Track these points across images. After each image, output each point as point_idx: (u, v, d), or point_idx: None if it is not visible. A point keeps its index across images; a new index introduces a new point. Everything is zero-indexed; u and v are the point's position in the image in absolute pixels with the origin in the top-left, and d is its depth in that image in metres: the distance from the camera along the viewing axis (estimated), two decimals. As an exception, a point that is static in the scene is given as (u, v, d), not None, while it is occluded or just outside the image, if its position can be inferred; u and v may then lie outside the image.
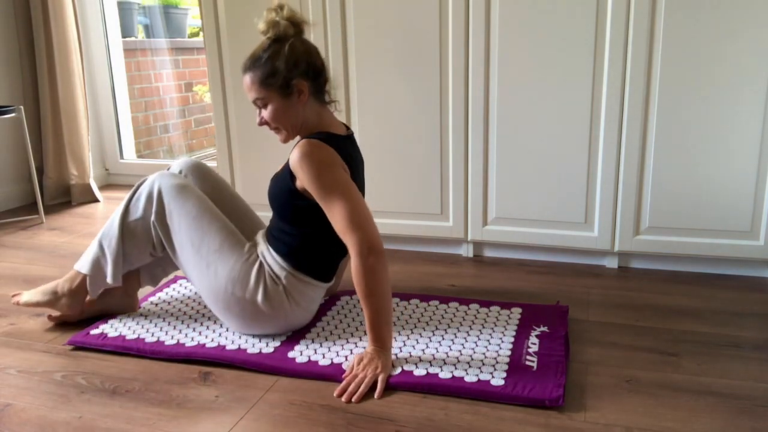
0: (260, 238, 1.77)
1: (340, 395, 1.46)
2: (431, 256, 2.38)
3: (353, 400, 1.44)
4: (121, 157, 3.75)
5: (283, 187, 1.66)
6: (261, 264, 1.68)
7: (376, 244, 1.51)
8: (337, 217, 1.54)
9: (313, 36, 2.28)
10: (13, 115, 2.83)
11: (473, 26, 2.11)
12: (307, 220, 1.65)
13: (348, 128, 1.76)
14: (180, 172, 1.91)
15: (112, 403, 1.46)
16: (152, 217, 1.75)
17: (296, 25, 1.63)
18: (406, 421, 1.37)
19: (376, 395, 1.46)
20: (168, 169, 1.94)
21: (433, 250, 2.43)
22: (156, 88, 4.22)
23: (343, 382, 1.49)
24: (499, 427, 1.34)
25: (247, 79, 1.63)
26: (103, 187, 3.66)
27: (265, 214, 2.52)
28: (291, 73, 1.59)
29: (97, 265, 1.79)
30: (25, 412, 1.44)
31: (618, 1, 1.97)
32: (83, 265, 1.80)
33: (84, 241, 2.68)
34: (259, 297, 1.65)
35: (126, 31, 3.93)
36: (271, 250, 1.69)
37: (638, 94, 2.02)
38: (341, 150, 1.62)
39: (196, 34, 4.49)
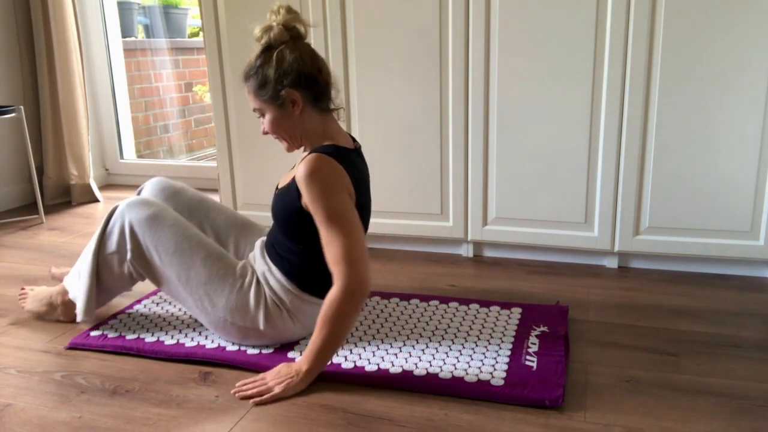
0: (258, 253, 1.70)
1: (237, 389, 1.48)
2: (431, 256, 2.38)
3: (237, 395, 1.46)
4: (121, 157, 3.75)
5: (289, 204, 1.58)
6: (259, 286, 1.63)
7: (365, 288, 1.46)
8: (333, 247, 1.47)
9: (313, 37, 2.28)
10: (13, 115, 2.83)
11: (473, 26, 2.11)
12: (315, 238, 1.54)
13: (354, 140, 1.70)
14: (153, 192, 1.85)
15: (112, 403, 1.46)
16: (128, 255, 1.69)
17: (291, 29, 1.55)
18: (406, 421, 1.37)
19: (253, 401, 1.44)
20: (139, 192, 1.88)
21: (433, 250, 2.43)
22: (156, 88, 4.22)
23: (251, 380, 1.50)
24: (499, 427, 1.34)
25: (246, 88, 1.58)
26: (103, 187, 3.66)
27: (265, 214, 2.52)
28: (279, 84, 1.52)
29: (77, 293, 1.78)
30: (25, 412, 1.44)
31: (618, 1, 1.97)
32: (70, 285, 1.81)
33: (84, 241, 2.68)
34: (261, 323, 1.61)
35: (126, 31, 3.93)
36: (274, 269, 1.63)
37: (638, 94, 2.02)
38: (349, 165, 1.55)
39: (196, 34, 4.49)
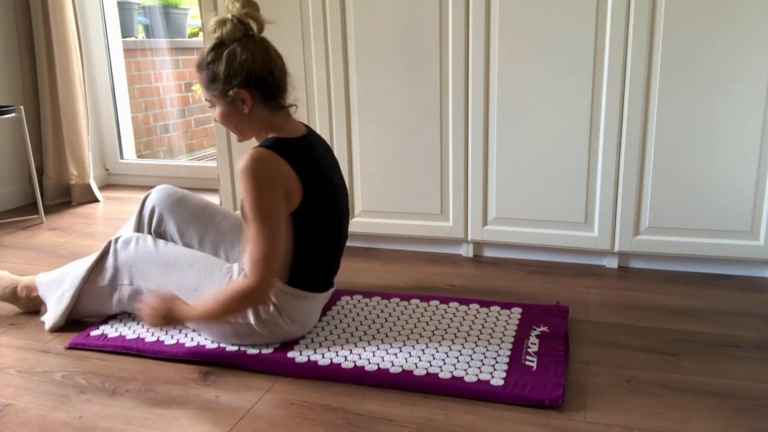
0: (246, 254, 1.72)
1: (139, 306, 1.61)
2: (431, 256, 2.38)
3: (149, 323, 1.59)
4: (121, 157, 3.75)
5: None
6: None
7: (263, 295, 1.53)
8: (253, 245, 1.51)
9: (313, 37, 2.28)
10: (13, 115, 2.83)
11: (473, 26, 2.11)
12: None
13: (306, 127, 1.69)
14: (153, 209, 1.86)
15: (112, 403, 1.46)
16: (120, 289, 1.76)
17: (246, 25, 1.54)
18: (406, 421, 1.37)
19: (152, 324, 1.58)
20: (144, 200, 1.88)
21: (433, 250, 2.43)
22: (156, 88, 4.22)
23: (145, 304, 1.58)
24: (499, 427, 1.34)
25: (198, 77, 1.60)
26: (103, 187, 3.66)
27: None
28: (228, 84, 1.53)
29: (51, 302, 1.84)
30: (25, 412, 1.44)
31: (618, 1, 1.97)
32: (45, 294, 1.85)
33: (84, 241, 2.68)
34: (252, 320, 1.61)
35: (126, 31, 3.93)
36: None
37: (638, 94, 2.02)
38: (292, 156, 1.55)
39: (196, 34, 4.49)
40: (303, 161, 1.58)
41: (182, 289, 1.67)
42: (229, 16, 1.53)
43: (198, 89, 4.45)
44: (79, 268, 1.80)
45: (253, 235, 1.51)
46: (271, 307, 1.62)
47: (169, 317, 1.57)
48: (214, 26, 1.54)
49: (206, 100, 1.63)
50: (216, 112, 1.61)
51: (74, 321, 1.86)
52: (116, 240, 1.79)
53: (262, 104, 1.58)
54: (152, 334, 1.75)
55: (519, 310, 1.85)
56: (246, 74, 1.53)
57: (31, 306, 1.93)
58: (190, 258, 1.71)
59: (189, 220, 1.85)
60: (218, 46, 1.55)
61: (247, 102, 1.56)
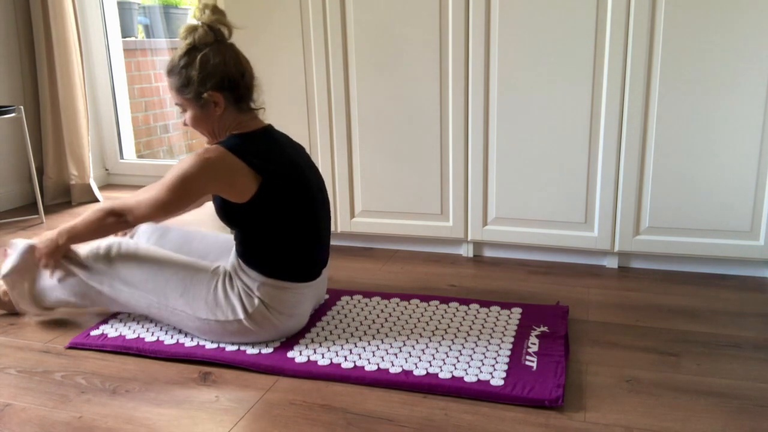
0: (233, 253, 1.72)
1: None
2: (431, 256, 2.38)
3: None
4: (121, 157, 3.75)
5: (216, 199, 1.65)
6: (230, 279, 1.65)
7: (126, 226, 1.64)
8: (155, 190, 1.59)
9: (313, 37, 2.28)
10: (13, 115, 2.83)
11: (473, 26, 2.11)
12: (256, 220, 1.61)
13: (267, 125, 1.71)
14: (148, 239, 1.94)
15: (112, 403, 1.46)
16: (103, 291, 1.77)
17: (216, 31, 1.59)
18: (406, 421, 1.37)
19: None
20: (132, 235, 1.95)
21: (433, 250, 2.43)
22: (156, 88, 4.22)
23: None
24: (499, 427, 1.34)
25: (167, 82, 1.63)
26: (103, 187, 3.66)
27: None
28: (202, 86, 1.58)
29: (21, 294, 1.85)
30: (25, 412, 1.44)
31: (618, 1, 1.97)
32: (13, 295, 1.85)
33: (84, 241, 2.68)
34: (241, 314, 1.62)
35: (126, 31, 3.93)
36: (241, 261, 1.66)
37: (638, 94, 2.02)
38: (245, 149, 1.59)
39: (196, 34, 4.48)
40: (258, 150, 1.61)
41: (168, 292, 1.67)
42: (200, 23, 1.58)
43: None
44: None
45: (163, 185, 1.58)
46: (256, 300, 1.62)
47: (51, 246, 1.68)
48: (185, 33, 1.60)
49: (177, 104, 1.66)
50: (187, 116, 1.65)
51: (74, 321, 1.86)
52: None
53: (233, 106, 1.63)
54: (152, 334, 1.75)
55: (519, 310, 1.85)
56: (219, 77, 1.59)
57: (11, 307, 1.92)
58: (174, 261, 1.71)
59: (171, 250, 1.88)
60: (190, 51, 1.60)
61: (220, 104, 1.61)
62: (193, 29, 1.58)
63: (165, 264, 1.70)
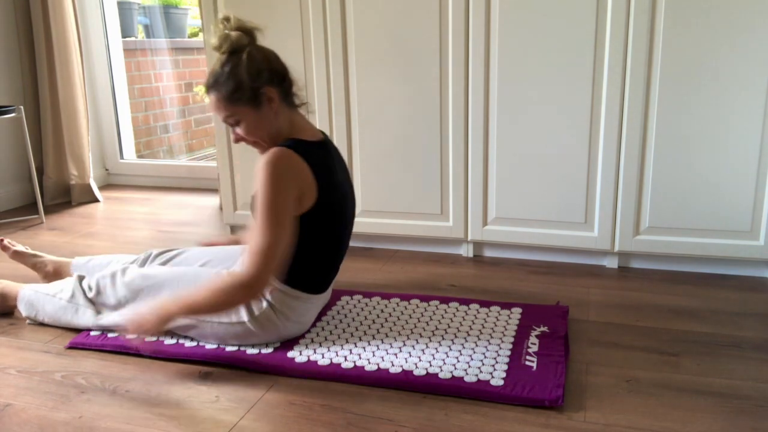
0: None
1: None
2: (431, 256, 2.38)
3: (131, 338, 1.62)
4: (121, 157, 3.75)
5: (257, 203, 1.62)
6: None
7: (258, 289, 1.52)
8: (256, 239, 1.51)
9: (313, 37, 2.28)
10: (13, 115, 2.83)
11: (473, 26, 2.11)
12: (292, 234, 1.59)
13: (323, 134, 1.72)
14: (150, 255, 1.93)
15: (112, 403, 1.46)
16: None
17: (248, 33, 1.58)
18: (406, 421, 1.37)
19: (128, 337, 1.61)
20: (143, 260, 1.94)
21: (433, 250, 2.43)
22: (156, 88, 4.22)
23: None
24: (499, 427, 1.34)
25: (213, 98, 1.57)
26: (103, 187, 3.66)
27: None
28: (256, 82, 1.55)
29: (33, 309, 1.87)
30: (25, 412, 1.44)
31: (618, 1, 1.97)
32: (21, 310, 1.87)
33: (84, 242, 2.68)
34: (246, 318, 1.62)
35: (126, 31, 3.93)
36: None
37: (638, 94, 2.02)
38: (310, 158, 1.57)
39: (196, 34, 4.49)
40: (319, 166, 1.60)
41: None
42: (227, 31, 1.57)
43: (200, 90, 4.45)
44: (55, 307, 1.81)
45: (259, 228, 1.52)
46: (265, 303, 1.62)
47: (158, 321, 1.54)
48: (220, 41, 1.56)
49: (227, 121, 1.59)
50: (241, 127, 1.59)
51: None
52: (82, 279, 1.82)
53: (284, 101, 1.61)
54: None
55: (519, 310, 1.85)
56: (268, 71, 1.57)
57: (4, 310, 1.93)
58: (175, 275, 1.71)
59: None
60: (231, 56, 1.56)
61: (275, 100, 1.58)
62: (226, 37, 1.55)
63: (167, 276, 1.71)
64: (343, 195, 1.68)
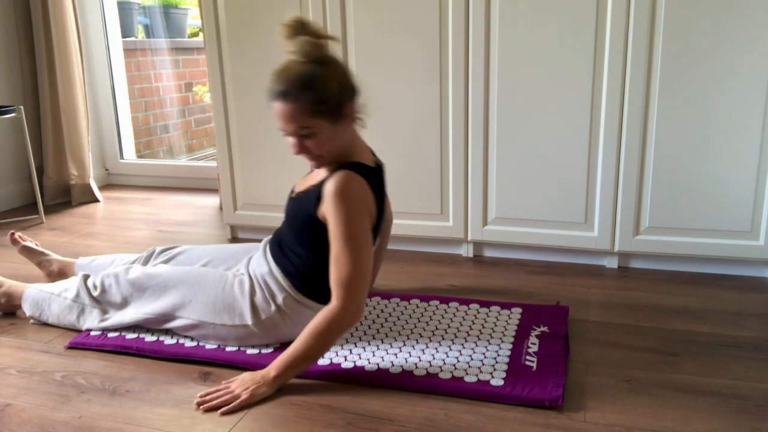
0: (260, 252, 1.69)
1: (201, 400, 1.43)
2: (431, 256, 2.38)
3: (201, 408, 1.41)
4: (121, 157, 3.75)
5: (305, 210, 1.56)
6: (248, 280, 1.63)
7: (357, 316, 1.47)
8: (340, 268, 1.46)
9: (313, 36, 2.28)
10: (13, 115, 2.83)
11: (473, 26, 2.11)
12: (325, 248, 1.53)
13: (374, 154, 1.68)
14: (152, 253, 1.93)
15: (112, 403, 1.46)
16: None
17: (328, 41, 1.47)
18: (406, 421, 1.37)
19: (220, 411, 1.40)
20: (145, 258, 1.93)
21: (433, 250, 2.43)
22: (156, 88, 4.22)
23: (214, 389, 1.46)
24: (499, 427, 1.34)
25: (286, 107, 1.42)
26: (103, 187, 3.66)
27: (264, 214, 2.52)
28: (342, 97, 1.46)
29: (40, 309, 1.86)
30: (25, 412, 1.44)
31: (618, 1, 1.97)
32: (26, 311, 1.87)
33: (84, 241, 2.68)
34: (248, 317, 1.61)
35: (126, 31, 3.93)
36: (273, 265, 1.63)
37: (638, 94, 2.02)
38: (372, 184, 1.54)
39: (196, 34, 4.49)
40: (379, 192, 1.59)
41: (177, 306, 1.67)
42: (306, 38, 1.45)
43: (200, 90, 4.45)
44: (61, 306, 1.81)
45: (340, 258, 1.47)
46: (273, 308, 1.61)
47: (271, 389, 1.46)
48: (308, 47, 1.43)
49: (301, 128, 1.45)
50: (313, 140, 1.47)
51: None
52: (87, 278, 1.81)
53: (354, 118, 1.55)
54: (152, 334, 1.75)
55: (519, 310, 1.85)
56: (351, 87, 1.50)
57: (8, 309, 1.94)
58: (179, 275, 1.71)
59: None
60: (318, 66, 1.44)
61: (352, 117, 1.52)
62: (314, 44, 1.43)
63: (171, 276, 1.71)
64: (382, 227, 1.69)
